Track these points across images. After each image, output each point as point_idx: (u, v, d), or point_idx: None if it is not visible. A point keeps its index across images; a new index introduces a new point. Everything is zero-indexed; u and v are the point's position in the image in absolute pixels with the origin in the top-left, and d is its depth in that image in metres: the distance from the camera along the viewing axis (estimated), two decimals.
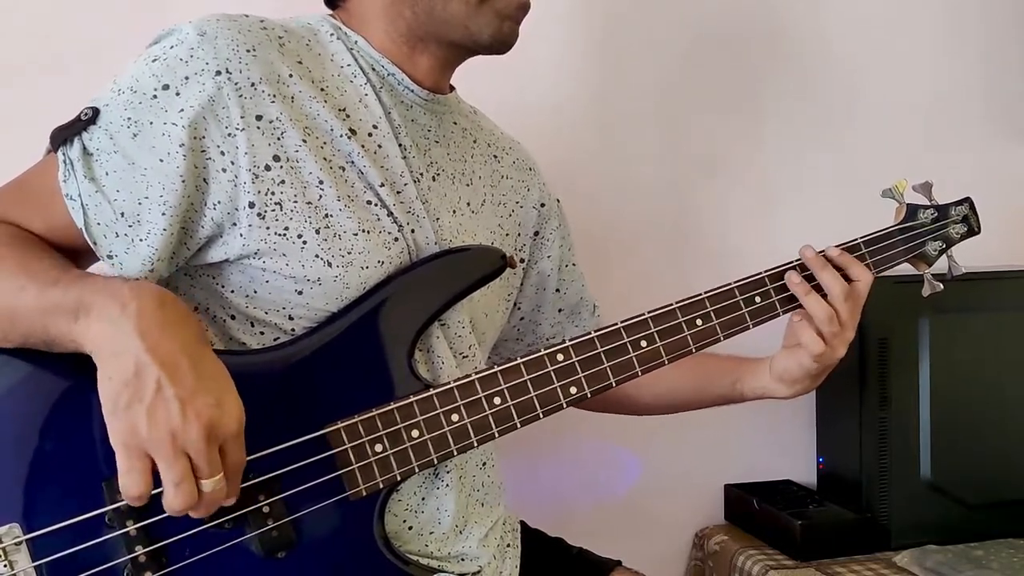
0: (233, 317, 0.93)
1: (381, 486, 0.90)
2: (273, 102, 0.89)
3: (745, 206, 1.66)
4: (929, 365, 1.49)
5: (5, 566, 0.81)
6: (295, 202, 0.89)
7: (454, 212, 1.02)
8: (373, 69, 0.98)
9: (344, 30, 0.99)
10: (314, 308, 0.91)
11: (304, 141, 0.90)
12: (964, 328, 1.51)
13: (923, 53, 1.73)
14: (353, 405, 0.90)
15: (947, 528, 1.49)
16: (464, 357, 1.02)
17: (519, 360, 0.95)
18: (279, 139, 0.89)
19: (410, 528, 0.97)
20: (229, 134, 0.87)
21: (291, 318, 0.92)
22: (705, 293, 1.02)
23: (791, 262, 1.06)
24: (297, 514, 0.88)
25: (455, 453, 0.93)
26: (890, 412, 1.48)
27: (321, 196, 0.90)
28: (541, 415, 0.95)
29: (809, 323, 1.03)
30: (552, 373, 0.95)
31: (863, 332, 1.45)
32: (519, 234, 1.16)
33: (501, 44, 0.99)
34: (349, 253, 0.91)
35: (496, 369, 0.94)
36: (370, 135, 0.95)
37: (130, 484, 0.76)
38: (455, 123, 1.08)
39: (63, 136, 0.88)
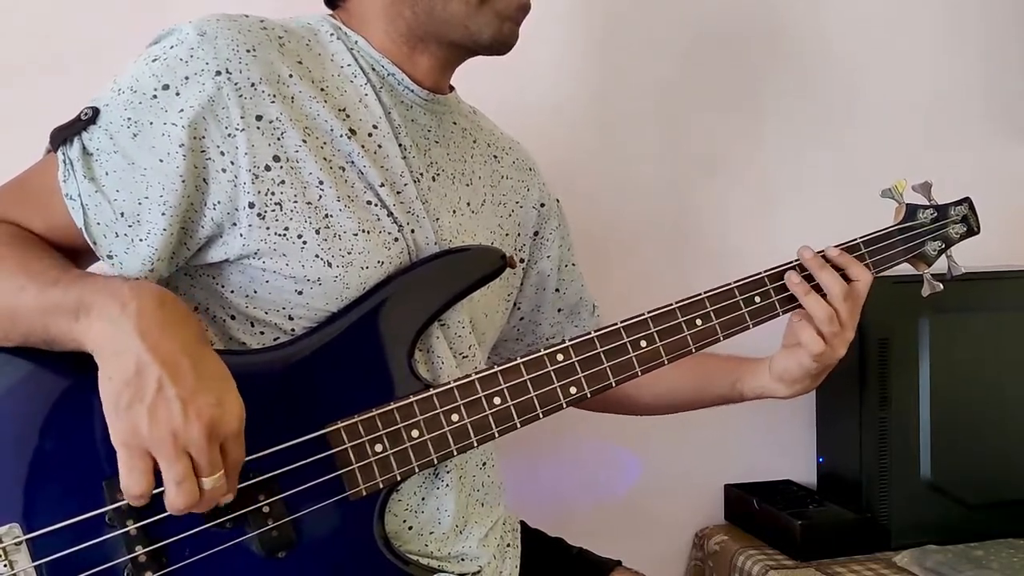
0: (233, 317, 0.93)
1: (381, 486, 0.90)
2: (273, 102, 0.89)
3: (745, 206, 1.66)
4: (929, 365, 1.49)
5: (5, 566, 0.81)
6: (295, 202, 0.89)
7: (454, 212, 1.02)
8: (373, 69, 0.98)
9: (344, 30, 0.99)
10: (314, 308, 0.91)
11: (304, 141, 0.90)
12: (964, 328, 1.51)
13: (923, 53, 1.73)
14: (353, 405, 0.90)
15: (947, 528, 1.49)
16: (464, 357, 1.02)
17: (519, 360, 0.95)
18: (279, 139, 0.89)
19: (410, 528, 0.97)
20: (229, 134, 0.87)
21: (291, 318, 0.92)
22: (705, 293, 1.02)
23: (791, 262, 1.06)
24: (297, 514, 0.88)
25: (455, 453, 0.93)
26: (890, 412, 1.48)
27: (321, 196, 0.90)
28: (541, 415, 0.95)
29: (809, 323, 1.03)
30: (552, 373, 0.95)
31: (863, 332, 1.45)
32: (519, 234, 1.16)
33: (501, 45, 0.99)
34: (349, 253, 0.91)
35: (496, 369, 0.94)
36: (370, 135, 0.95)
37: (132, 483, 0.76)
38: (455, 123, 1.08)
39: (63, 136, 0.88)
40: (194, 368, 0.77)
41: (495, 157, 1.14)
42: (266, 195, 0.88)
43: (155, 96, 0.87)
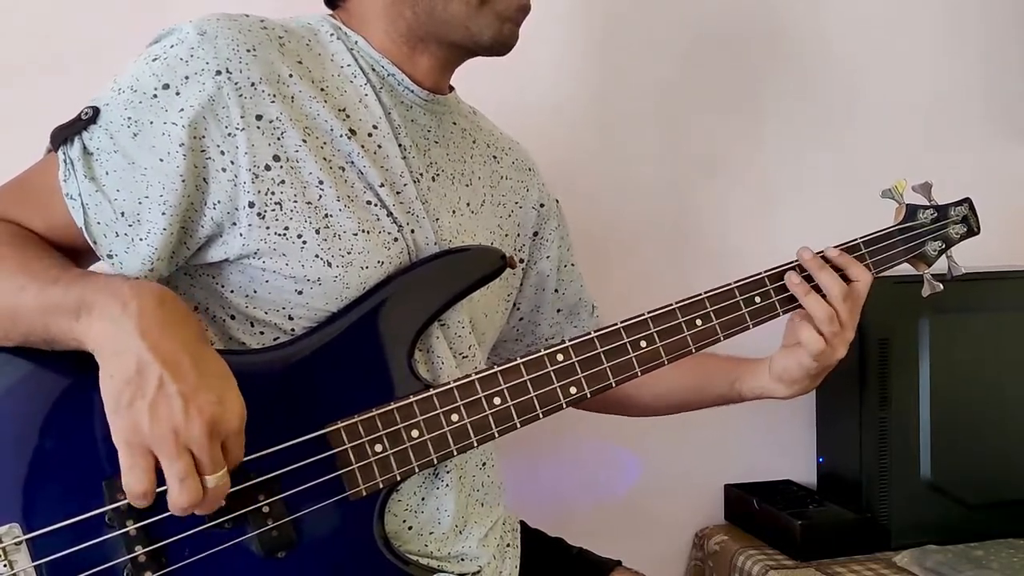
0: (233, 317, 0.93)
1: (381, 486, 0.90)
2: (273, 102, 0.89)
3: (745, 206, 1.66)
4: (929, 365, 1.49)
5: (5, 566, 0.81)
6: (295, 202, 0.89)
7: (454, 212, 1.02)
8: (373, 69, 0.98)
9: (344, 30, 0.99)
10: (314, 308, 0.91)
11: (304, 141, 0.90)
12: (964, 328, 1.51)
13: (923, 53, 1.73)
14: (353, 405, 0.90)
15: (947, 528, 1.49)
16: (464, 357, 1.02)
17: (519, 360, 0.95)
18: (279, 139, 0.89)
19: (410, 528, 0.97)
20: (229, 134, 0.87)
21: (291, 318, 0.92)
22: (705, 293, 1.02)
23: (791, 262, 1.06)
24: (297, 514, 0.88)
25: (455, 453, 0.93)
26: (890, 412, 1.48)
27: (321, 196, 0.90)
28: (541, 415, 0.95)
29: (809, 322, 1.03)
30: (552, 373, 0.95)
31: (863, 332, 1.45)
32: (518, 234, 1.16)
33: (501, 46, 0.99)
34: (349, 253, 0.91)
35: (496, 369, 0.94)
36: (370, 135, 0.95)
37: (133, 481, 0.76)
38: (455, 123, 1.08)
39: (63, 135, 0.88)
40: (195, 366, 0.77)
41: (495, 158, 1.14)
42: (266, 195, 0.88)
43: (155, 95, 0.87)
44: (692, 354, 1.01)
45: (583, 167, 1.59)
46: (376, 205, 0.94)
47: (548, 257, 1.20)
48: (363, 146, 0.94)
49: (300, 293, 0.91)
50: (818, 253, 1.06)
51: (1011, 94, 1.76)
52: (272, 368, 0.90)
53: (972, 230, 1.15)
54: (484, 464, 1.06)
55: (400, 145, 0.97)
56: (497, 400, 0.93)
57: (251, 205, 0.88)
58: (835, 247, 1.07)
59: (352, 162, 0.93)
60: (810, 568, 1.43)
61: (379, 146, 0.96)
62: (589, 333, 0.97)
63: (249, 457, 0.82)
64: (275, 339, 0.93)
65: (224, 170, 0.87)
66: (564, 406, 0.96)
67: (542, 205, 1.19)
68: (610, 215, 1.60)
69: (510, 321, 1.20)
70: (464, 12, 0.96)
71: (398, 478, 0.91)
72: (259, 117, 0.88)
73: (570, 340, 0.97)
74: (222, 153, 0.87)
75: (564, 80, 1.58)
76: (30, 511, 0.82)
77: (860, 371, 1.50)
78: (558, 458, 1.59)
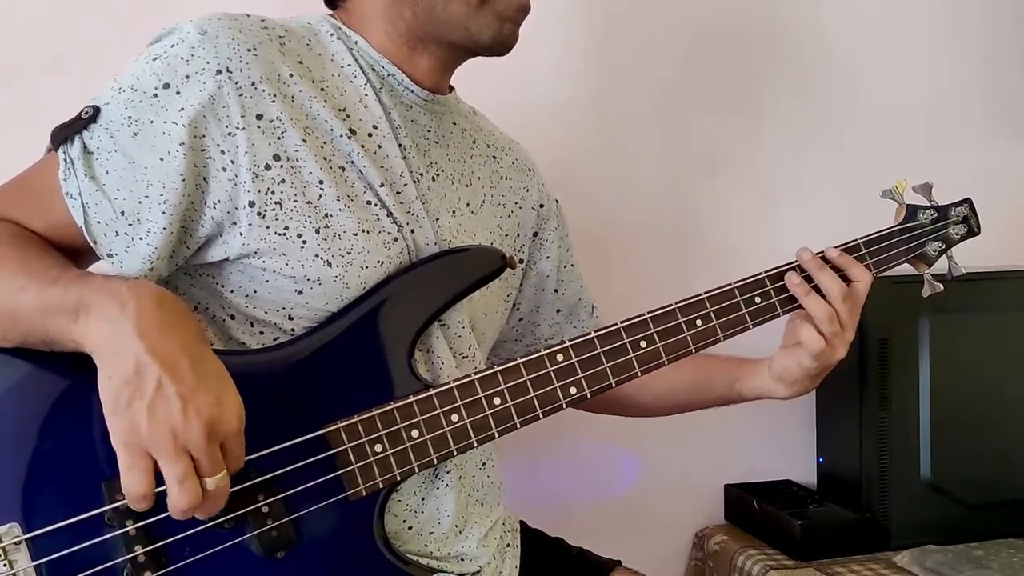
0: (233, 317, 0.93)
1: (381, 486, 0.90)
2: (273, 101, 0.89)
3: (745, 206, 1.66)
4: (929, 365, 1.49)
5: (5, 565, 0.81)
6: (295, 201, 0.89)
7: (454, 212, 1.02)
8: (373, 69, 0.98)
9: (344, 30, 0.99)
10: (314, 308, 0.91)
11: (304, 141, 0.90)
12: (964, 328, 1.51)
13: (923, 53, 1.73)
14: (353, 405, 0.90)
15: (947, 528, 1.49)
16: (464, 357, 1.02)
17: (519, 360, 0.95)
18: (279, 138, 0.89)
19: (410, 528, 0.97)
20: (229, 133, 0.87)
21: (291, 318, 0.92)
22: (705, 293, 1.02)
23: (791, 263, 1.06)
24: (297, 514, 0.88)
25: (455, 453, 0.93)
26: (890, 412, 1.48)
27: (321, 196, 0.90)
28: (541, 415, 0.95)
29: (809, 322, 1.03)
30: (552, 373, 0.95)
31: (863, 332, 1.45)
32: (518, 235, 1.16)
33: (501, 46, 0.99)
34: (349, 253, 0.91)
35: (496, 369, 0.94)
36: (370, 135, 0.95)
37: (132, 482, 0.76)
38: (455, 124, 1.08)
39: (64, 134, 0.88)
40: (193, 367, 0.77)
41: (494, 158, 1.14)
42: (266, 194, 0.88)
43: (156, 95, 0.87)
44: (692, 354, 1.01)
45: (583, 167, 1.59)
46: (376, 205, 0.94)
47: (548, 257, 1.20)
48: (363, 146, 0.94)
49: (300, 293, 0.91)
50: (818, 253, 1.06)
51: (1011, 94, 1.76)
52: (272, 368, 0.90)
53: (972, 230, 1.15)
54: (484, 464, 1.06)
55: (400, 145, 0.97)
56: (497, 400, 0.93)
57: (251, 204, 0.88)
58: (835, 247, 1.07)
59: (352, 162, 0.93)
60: (810, 568, 1.43)
61: (379, 146, 0.96)
62: (589, 333, 0.97)
63: (249, 457, 0.82)
64: (275, 339, 0.93)
65: (224, 169, 0.87)
66: (564, 406, 0.96)
67: (542, 205, 1.19)
68: (610, 215, 1.60)
69: (510, 321, 1.20)
70: (464, 12, 0.96)
71: (398, 478, 0.91)
72: (259, 116, 0.88)
73: (570, 340, 0.97)
74: (222, 152, 0.87)
75: (564, 80, 1.58)
76: (30, 511, 0.82)
77: (860, 371, 1.50)
78: (558, 458, 1.59)
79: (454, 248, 0.98)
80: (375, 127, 0.96)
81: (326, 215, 0.90)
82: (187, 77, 0.87)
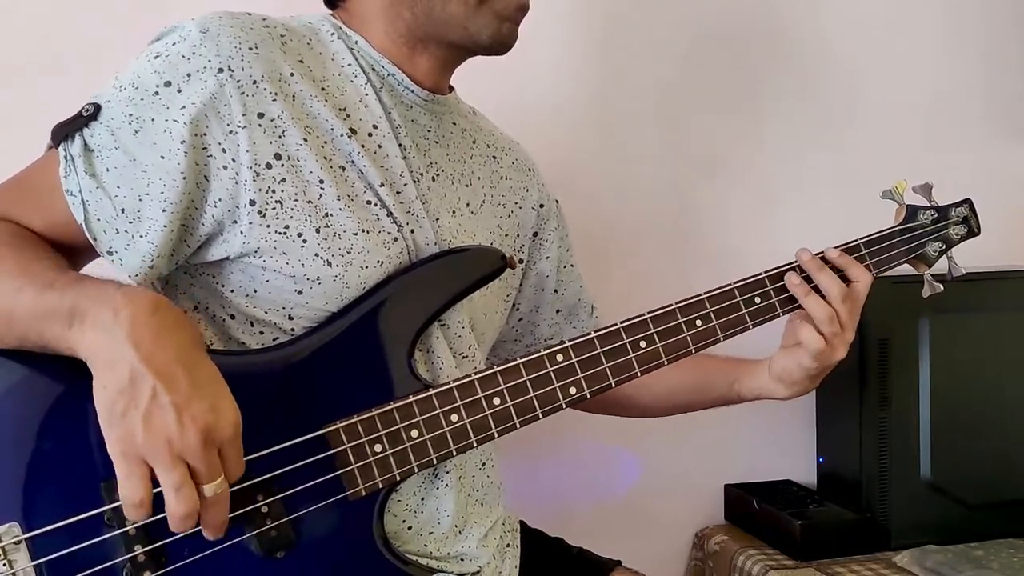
0: (233, 317, 0.93)
1: (380, 486, 0.90)
2: (275, 100, 0.89)
3: (745, 206, 1.66)
4: (929, 365, 1.49)
5: (4, 565, 0.81)
6: (295, 200, 0.89)
7: (453, 212, 1.02)
8: (373, 69, 0.98)
9: (344, 30, 0.99)
10: (314, 308, 0.91)
11: (305, 140, 0.90)
12: (964, 328, 1.51)
13: (923, 53, 1.73)
14: (353, 405, 0.90)
15: (947, 528, 1.49)
16: (464, 357, 1.02)
17: (519, 360, 0.95)
18: (280, 137, 0.89)
19: (409, 528, 0.97)
20: (231, 131, 0.87)
21: (291, 318, 0.92)
22: (705, 293, 1.02)
23: (791, 263, 1.06)
24: (296, 514, 0.87)
25: (454, 453, 0.92)
26: (890, 412, 1.48)
27: (321, 195, 0.90)
28: (540, 415, 0.95)
29: (809, 323, 1.03)
30: (552, 374, 0.95)
31: (863, 332, 1.45)
32: (518, 235, 1.16)
33: (500, 45, 0.99)
34: (349, 253, 0.91)
35: (496, 369, 0.94)
36: (370, 135, 0.95)
37: (129, 490, 0.75)
38: (455, 124, 1.08)
39: (64, 132, 0.88)
40: (188, 375, 0.77)
41: (494, 158, 1.14)
42: (267, 193, 0.88)
43: (157, 93, 0.87)
44: (692, 355, 1.01)
45: (583, 167, 1.59)
46: (376, 205, 0.94)
47: (548, 258, 1.20)
48: (363, 146, 0.94)
49: (300, 293, 0.91)
50: (818, 254, 1.06)
51: (1011, 94, 1.76)
52: (272, 368, 0.90)
53: (972, 231, 1.14)
54: (484, 464, 1.06)
55: (400, 145, 0.97)
56: (497, 400, 0.93)
57: (252, 203, 0.88)
58: (835, 248, 1.07)
59: (352, 161, 0.93)
60: (810, 568, 1.43)
61: (379, 146, 0.96)
62: (589, 333, 0.97)
63: (248, 458, 0.82)
64: (275, 339, 0.93)
65: (225, 168, 0.87)
66: (564, 406, 0.96)
67: (542, 205, 1.19)
68: (610, 215, 1.60)
69: (509, 321, 1.20)
70: (462, 12, 0.96)
71: (397, 478, 0.91)
72: (261, 115, 0.88)
73: (570, 340, 0.96)
74: (223, 151, 0.87)
75: (564, 80, 1.58)
76: (29, 510, 0.82)
77: (860, 371, 1.50)
78: (558, 458, 1.59)
79: (454, 248, 0.98)
80: (375, 127, 0.96)
81: (326, 214, 0.90)
82: (188, 75, 0.87)
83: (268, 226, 0.88)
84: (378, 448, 0.90)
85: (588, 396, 0.96)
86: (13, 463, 0.83)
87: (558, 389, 0.95)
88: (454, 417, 0.92)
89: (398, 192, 0.96)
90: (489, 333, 1.10)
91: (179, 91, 0.86)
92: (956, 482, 1.49)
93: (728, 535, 1.59)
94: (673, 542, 1.66)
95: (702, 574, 1.61)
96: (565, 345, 0.96)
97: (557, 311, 1.23)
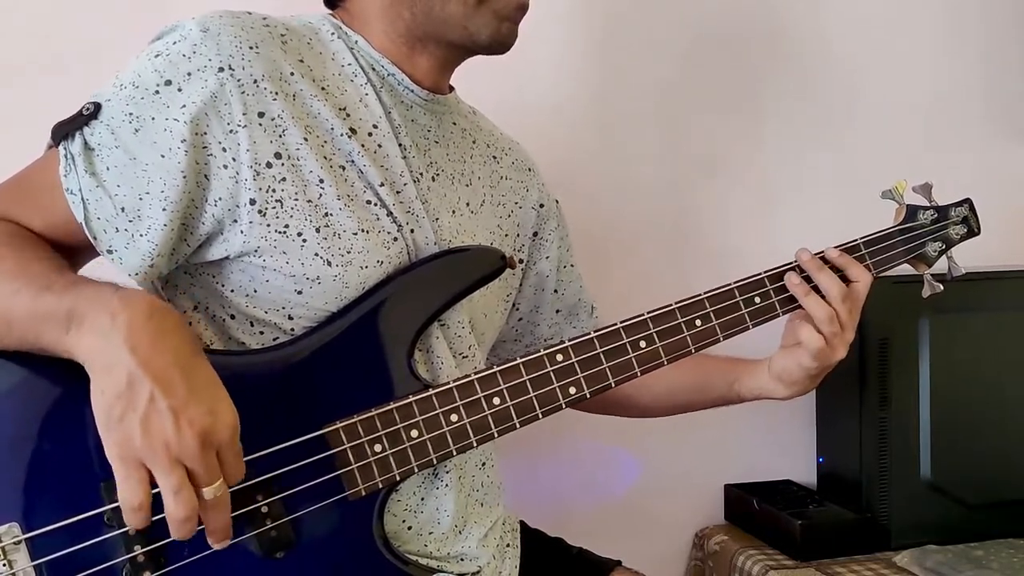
0: (233, 316, 0.93)
1: (380, 486, 0.90)
2: (275, 99, 0.89)
3: (745, 206, 1.66)
4: (929, 365, 1.49)
5: (4, 565, 0.81)
6: (295, 200, 0.89)
7: (453, 212, 1.02)
8: (373, 69, 0.98)
9: (344, 30, 0.99)
10: (313, 308, 0.91)
11: (305, 139, 0.90)
12: (964, 328, 1.51)
13: (923, 53, 1.73)
14: (352, 405, 0.90)
15: (947, 528, 1.49)
16: (463, 357, 1.02)
17: (518, 360, 0.95)
18: (280, 136, 0.89)
19: (409, 528, 0.97)
20: (231, 130, 0.87)
21: (291, 318, 0.92)
22: (705, 293, 1.02)
23: (791, 263, 1.06)
24: (296, 514, 0.87)
25: (454, 453, 0.92)
26: (890, 412, 1.48)
27: (321, 195, 0.90)
28: (540, 415, 0.95)
29: (809, 323, 1.03)
30: (551, 373, 0.95)
31: (863, 332, 1.45)
32: (518, 235, 1.16)
33: (500, 45, 0.99)
34: (348, 252, 0.91)
35: (495, 369, 0.94)
36: (370, 135, 0.95)
37: (128, 494, 0.75)
38: (455, 123, 1.08)
39: (64, 131, 0.88)
40: (185, 379, 0.77)
41: (494, 158, 1.14)
42: (267, 192, 0.88)
43: (157, 91, 0.87)
44: (692, 354, 1.01)
45: (583, 167, 1.59)
46: (376, 205, 0.94)
47: (547, 257, 1.20)
48: (363, 145, 0.94)
49: (300, 292, 0.91)
50: (818, 254, 1.06)
51: (1011, 94, 1.76)
52: (272, 368, 0.90)
53: (972, 231, 1.14)
54: (483, 464, 1.06)
55: (400, 145, 0.97)
56: (496, 400, 0.93)
57: (252, 202, 0.88)
58: (835, 247, 1.07)
59: (352, 161, 0.93)
60: (810, 568, 1.43)
61: (379, 145, 0.96)
62: (589, 333, 0.97)
63: (248, 458, 0.82)
64: (275, 339, 0.93)
65: (226, 167, 0.87)
66: (563, 406, 0.96)
67: (542, 205, 1.19)
68: (610, 215, 1.60)
69: (509, 321, 1.20)
70: (462, 12, 0.96)
71: (397, 478, 0.91)
72: (261, 114, 0.88)
73: (570, 340, 0.96)
74: (224, 150, 0.87)
75: (564, 80, 1.58)
76: (29, 511, 0.82)
77: (860, 371, 1.50)
78: (558, 458, 1.59)
79: (454, 248, 0.98)
80: (375, 126, 0.96)
81: (326, 214, 0.90)
82: (189, 74, 0.87)
83: (268, 225, 0.88)
84: (378, 448, 0.90)
85: (588, 396, 0.96)
86: (13, 463, 0.83)
87: (558, 389, 0.95)
88: (454, 417, 0.92)
89: (398, 192, 0.96)
90: (489, 333, 1.10)
91: (179, 90, 0.86)
92: (956, 482, 1.49)
93: (728, 535, 1.59)
94: (673, 542, 1.66)
95: (702, 574, 1.61)
96: (565, 345, 0.96)
97: (557, 311, 1.23)
